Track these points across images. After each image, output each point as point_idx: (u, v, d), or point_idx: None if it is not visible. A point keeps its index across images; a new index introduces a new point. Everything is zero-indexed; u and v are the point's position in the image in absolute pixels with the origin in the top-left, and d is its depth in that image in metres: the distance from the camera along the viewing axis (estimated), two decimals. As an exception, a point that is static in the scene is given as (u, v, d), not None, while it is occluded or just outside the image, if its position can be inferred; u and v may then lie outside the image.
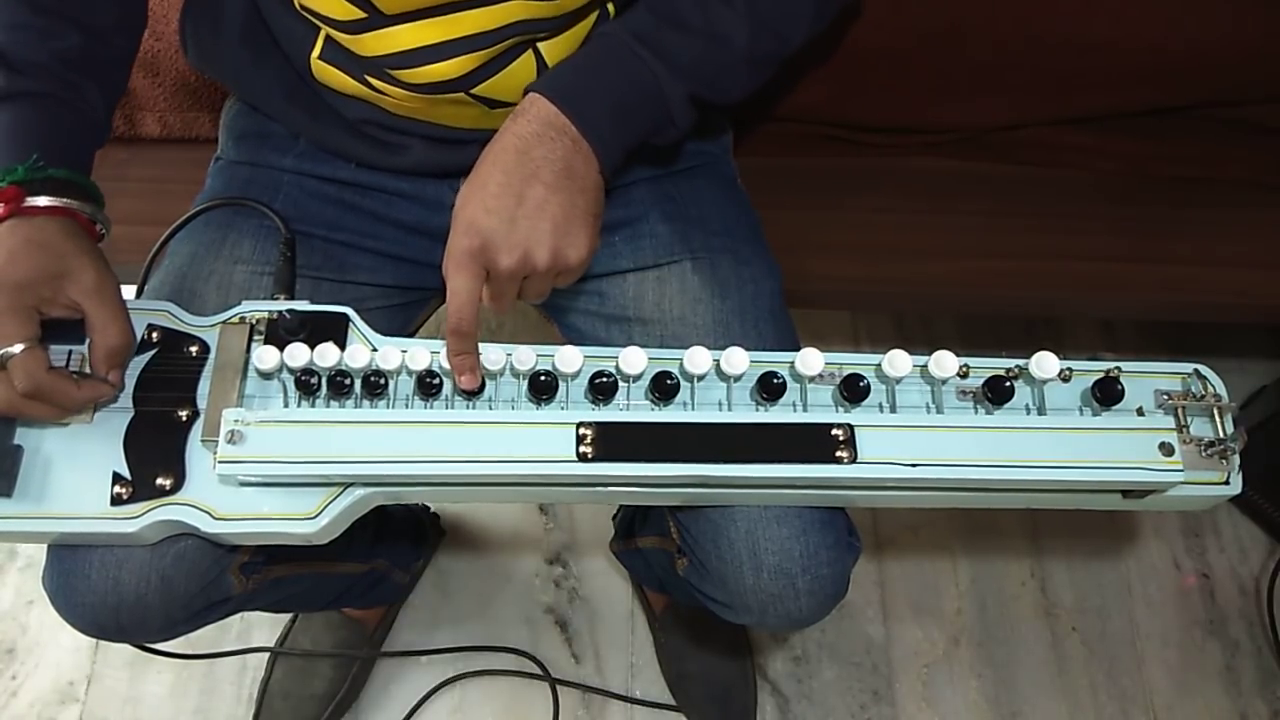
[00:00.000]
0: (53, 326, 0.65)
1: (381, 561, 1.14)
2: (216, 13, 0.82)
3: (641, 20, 0.71)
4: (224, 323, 0.72)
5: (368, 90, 0.77)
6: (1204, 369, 0.71)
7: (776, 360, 0.70)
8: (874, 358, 0.70)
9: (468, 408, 0.69)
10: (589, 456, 0.64)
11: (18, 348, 0.62)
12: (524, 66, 0.75)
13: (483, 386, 0.69)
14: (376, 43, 0.72)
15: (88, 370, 0.68)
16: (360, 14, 0.71)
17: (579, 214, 0.68)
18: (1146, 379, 0.71)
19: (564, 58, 0.75)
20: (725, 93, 0.74)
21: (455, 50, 0.72)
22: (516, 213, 0.66)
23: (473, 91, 0.75)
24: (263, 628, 1.25)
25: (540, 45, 0.75)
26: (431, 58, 0.72)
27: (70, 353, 0.69)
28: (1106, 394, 0.68)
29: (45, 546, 0.71)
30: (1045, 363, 0.68)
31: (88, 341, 0.67)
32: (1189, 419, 0.69)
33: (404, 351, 0.68)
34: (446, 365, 0.68)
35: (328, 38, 0.75)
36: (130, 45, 0.79)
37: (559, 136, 0.68)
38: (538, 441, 0.64)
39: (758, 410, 0.70)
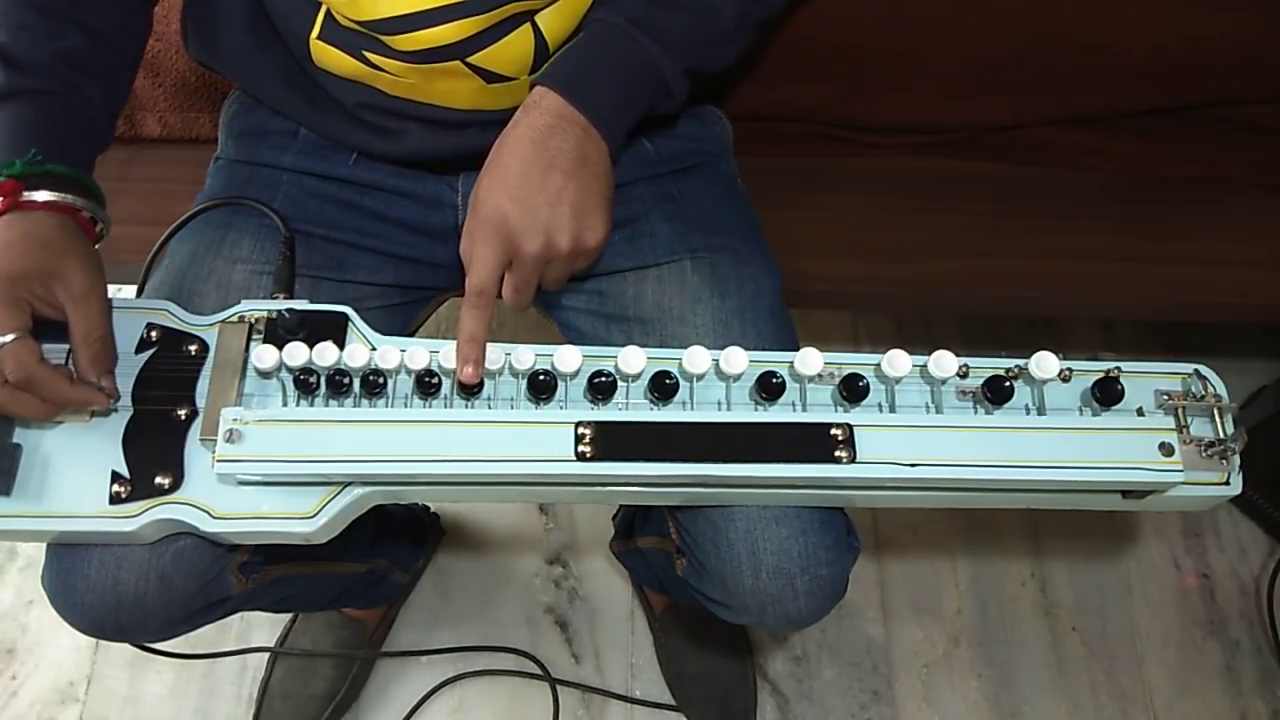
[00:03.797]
0: (51, 326, 0.65)
1: (381, 561, 1.14)
2: (217, 1, 0.82)
3: (633, 3, 0.74)
4: (223, 322, 0.72)
5: (365, 69, 0.77)
6: (1204, 369, 0.71)
7: (776, 360, 0.70)
8: (873, 358, 0.70)
9: (466, 407, 0.69)
10: (587, 456, 0.64)
11: (9, 337, 0.62)
12: (521, 39, 0.75)
13: (481, 385, 0.69)
14: (374, 5, 0.72)
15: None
16: None
17: (595, 198, 0.71)
18: (1146, 379, 0.71)
19: (562, 34, 0.76)
20: (717, 61, 0.78)
21: (452, 15, 0.72)
22: (538, 200, 0.69)
23: (469, 60, 0.75)
24: (263, 628, 1.25)
25: (538, 18, 0.75)
26: (429, 21, 0.72)
27: (69, 351, 0.69)
28: (1106, 394, 0.68)
29: (45, 546, 0.71)
30: (1045, 363, 0.68)
31: (72, 349, 0.66)
32: (1189, 419, 0.69)
33: (403, 351, 0.68)
34: (446, 365, 0.68)
35: (327, 14, 0.75)
36: (134, 50, 0.79)
37: (570, 127, 0.70)
38: (536, 441, 0.64)
39: (757, 410, 0.70)
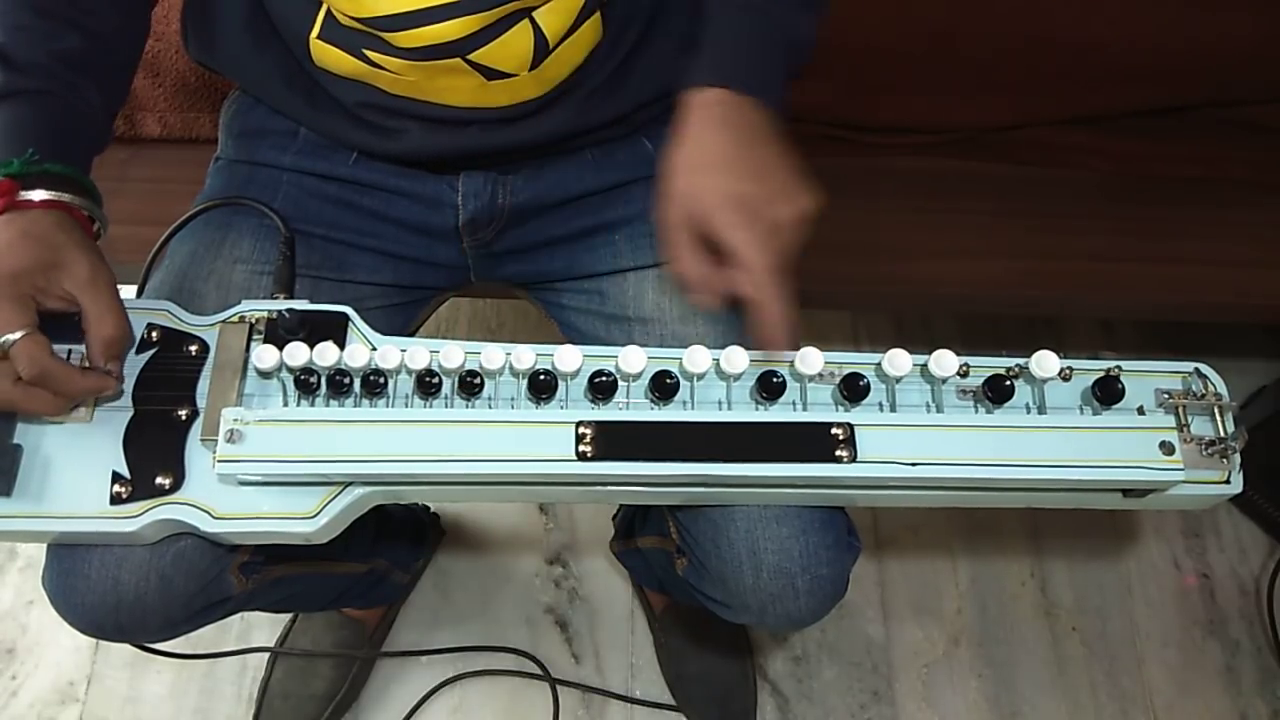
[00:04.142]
0: (51, 326, 0.65)
1: (381, 561, 1.14)
2: (217, 2, 0.82)
3: None
4: (223, 322, 0.72)
5: (366, 67, 0.77)
6: (1204, 368, 0.71)
7: (776, 359, 0.70)
8: (874, 357, 0.70)
9: (467, 407, 0.69)
10: (588, 456, 0.64)
11: (18, 334, 0.62)
12: (520, 35, 0.75)
13: (482, 385, 0.69)
14: (376, 3, 0.72)
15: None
16: None
17: (796, 164, 0.70)
18: (1147, 378, 0.71)
19: (561, 29, 0.76)
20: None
21: (453, 12, 0.72)
22: (761, 169, 0.68)
23: (470, 58, 0.75)
24: (263, 628, 1.25)
25: (536, 15, 0.75)
26: (430, 19, 0.72)
27: (70, 351, 0.69)
28: (1107, 393, 0.68)
29: (45, 546, 0.71)
30: (1045, 362, 0.68)
31: (85, 334, 0.66)
32: (1189, 418, 0.69)
33: (403, 351, 0.68)
34: (447, 365, 0.68)
35: (327, 13, 0.76)
36: (133, 51, 0.79)
37: (740, 107, 0.70)
38: (537, 441, 0.64)
39: (757, 409, 0.70)
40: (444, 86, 0.78)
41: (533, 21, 0.75)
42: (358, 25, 0.74)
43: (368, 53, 0.76)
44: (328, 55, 0.78)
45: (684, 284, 0.68)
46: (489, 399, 0.70)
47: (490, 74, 0.77)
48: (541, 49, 0.76)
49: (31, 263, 0.63)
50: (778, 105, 0.72)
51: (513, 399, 0.70)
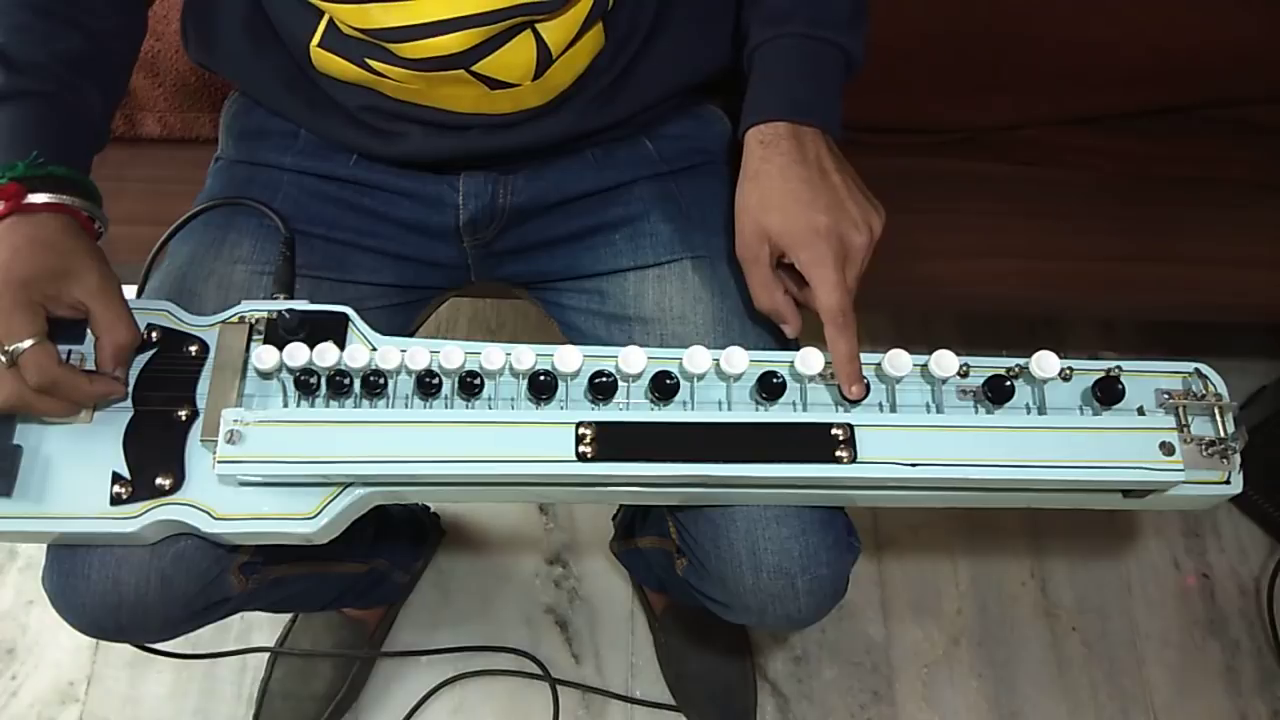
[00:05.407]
0: (52, 326, 0.65)
1: (381, 561, 1.14)
2: (217, 4, 0.82)
3: (793, 5, 0.77)
4: (223, 322, 0.72)
5: (367, 74, 0.77)
6: (1205, 368, 0.71)
7: (776, 360, 0.70)
8: (874, 357, 0.71)
9: (467, 408, 0.69)
10: (588, 456, 0.64)
11: (27, 343, 0.62)
12: (523, 45, 0.75)
13: (482, 385, 0.69)
14: (384, 15, 0.72)
15: (90, 369, 0.68)
16: None
17: (860, 183, 0.75)
18: (1147, 378, 0.71)
19: (563, 40, 0.76)
20: (867, 8, 0.80)
21: (458, 26, 0.72)
22: (834, 199, 0.72)
23: (473, 69, 0.75)
24: (263, 628, 1.25)
25: (539, 26, 0.75)
26: (434, 31, 0.72)
27: (69, 352, 0.69)
28: (1107, 393, 0.68)
29: (45, 546, 0.71)
30: (1046, 362, 0.68)
31: (94, 340, 0.67)
32: (1190, 418, 0.69)
33: (403, 351, 0.68)
34: (447, 365, 0.68)
35: (329, 23, 0.75)
36: (130, 51, 0.79)
37: (807, 137, 0.74)
38: (537, 441, 0.64)
39: (757, 410, 0.70)
40: (446, 94, 0.78)
41: (535, 33, 0.75)
42: (361, 35, 0.74)
43: (370, 62, 0.76)
44: (329, 63, 0.78)
45: (774, 317, 0.75)
46: (489, 399, 0.70)
47: (493, 84, 0.77)
48: (544, 60, 0.76)
49: (42, 270, 0.63)
50: (837, 130, 0.76)
51: (513, 399, 0.70)
